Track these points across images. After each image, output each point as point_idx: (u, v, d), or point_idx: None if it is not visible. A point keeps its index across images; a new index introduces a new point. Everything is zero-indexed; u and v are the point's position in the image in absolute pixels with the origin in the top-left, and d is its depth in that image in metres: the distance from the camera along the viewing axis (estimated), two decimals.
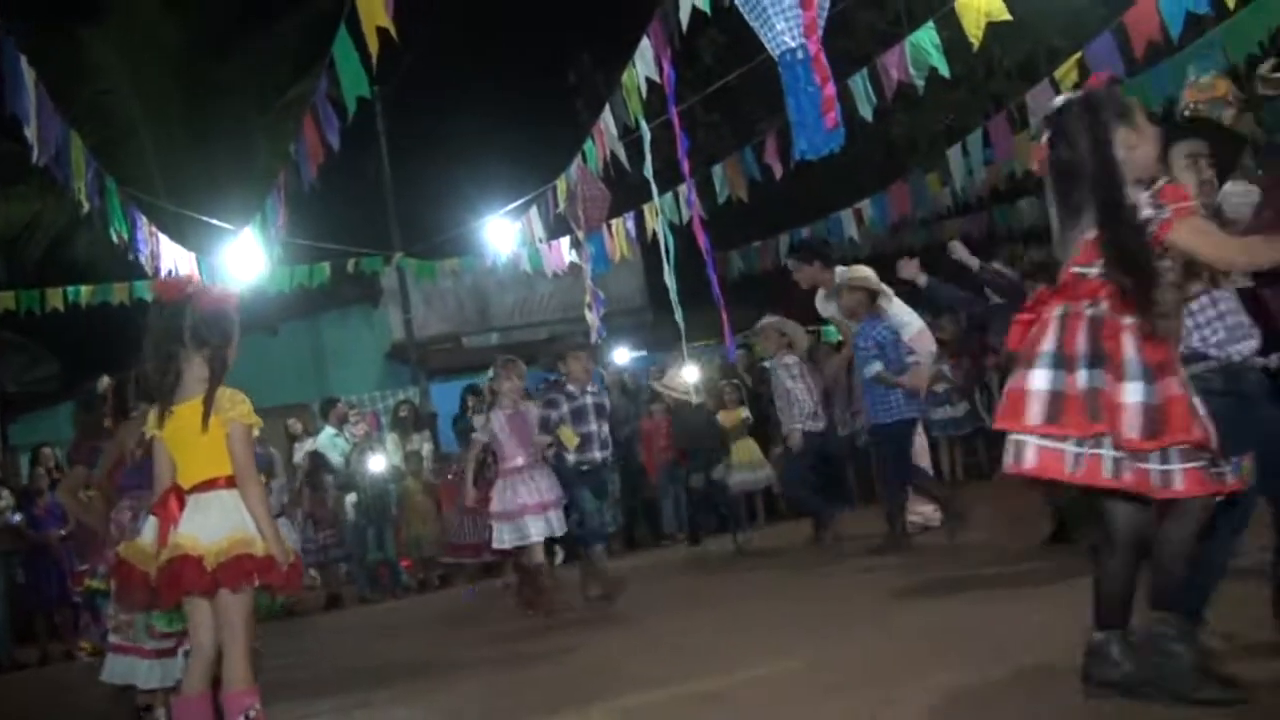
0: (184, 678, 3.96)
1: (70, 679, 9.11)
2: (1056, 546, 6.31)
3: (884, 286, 8.40)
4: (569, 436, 7.78)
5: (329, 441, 12.31)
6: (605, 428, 8.15)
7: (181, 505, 3.80)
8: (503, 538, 7.58)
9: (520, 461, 7.69)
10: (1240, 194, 4.56)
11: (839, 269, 8.86)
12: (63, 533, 11.26)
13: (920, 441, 8.54)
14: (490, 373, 8.18)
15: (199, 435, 3.80)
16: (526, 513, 7.45)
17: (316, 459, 11.71)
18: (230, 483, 3.82)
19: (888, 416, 7.92)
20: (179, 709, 3.82)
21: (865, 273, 8.55)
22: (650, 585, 8.53)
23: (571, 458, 7.83)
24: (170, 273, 12.38)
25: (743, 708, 3.74)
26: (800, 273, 8.93)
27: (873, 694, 3.61)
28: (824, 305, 9.00)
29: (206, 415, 3.78)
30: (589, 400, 7.99)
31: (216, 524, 3.76)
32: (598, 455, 7.98)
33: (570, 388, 8.01)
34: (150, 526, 3.90)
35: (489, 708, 4.46)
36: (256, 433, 3.92)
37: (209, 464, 3.83)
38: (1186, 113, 9.01)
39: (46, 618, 11.12)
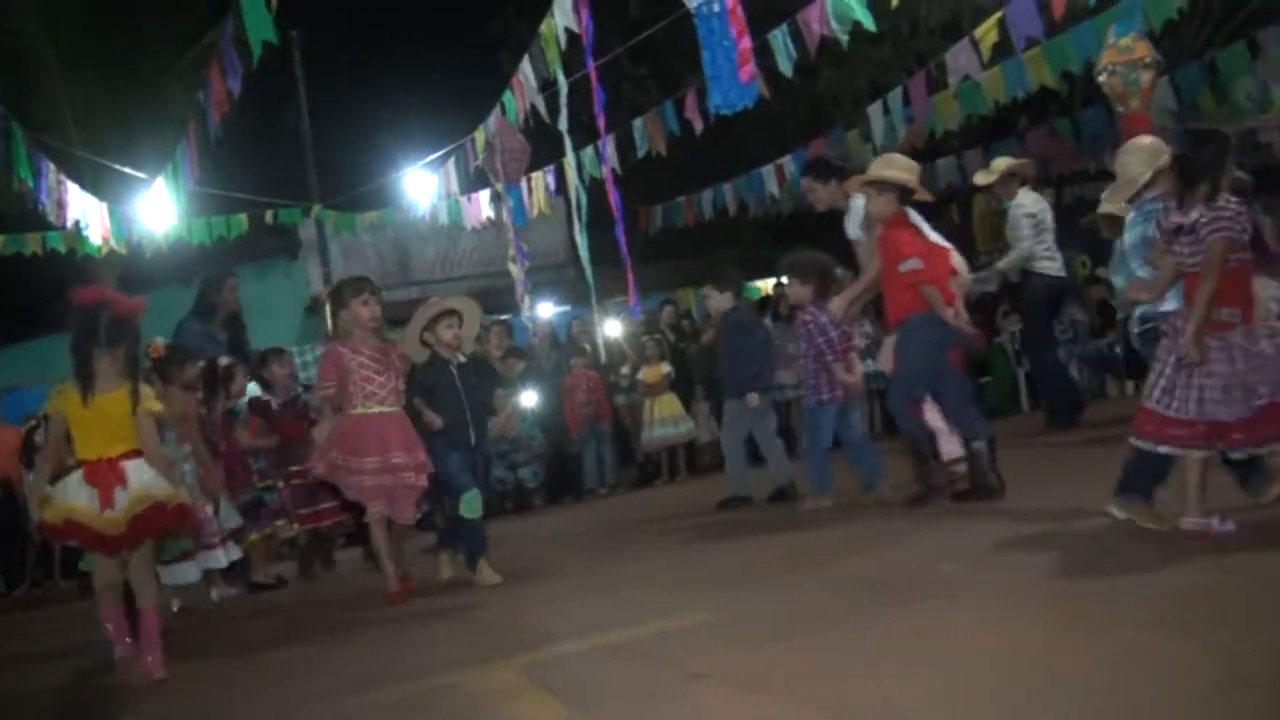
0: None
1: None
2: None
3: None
4: None
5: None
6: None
7: (120, 471, 4.74)
8: None
9: None
10: None
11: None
12: None
13: None
14: None
15: (125, 419, 4.81)
16: None
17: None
18: (139, 454, 4.84)
19: None
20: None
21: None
22: (561, 542, 8.53)
23: None
24: (77, 223, 12.09)
25: (652, 658, 3.74)
26: (815, 193, 7.60)
27: (779, 645, 3.63)
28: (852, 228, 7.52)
29: (135, 405, 4.82)
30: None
31: (151, 479, 4.80)
32: None
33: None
34: (83, 490, 4.70)
35: (389, 667, 4.40)
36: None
37: (131, 439, 4.83)
38: (1104, 76, 9.13)
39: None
